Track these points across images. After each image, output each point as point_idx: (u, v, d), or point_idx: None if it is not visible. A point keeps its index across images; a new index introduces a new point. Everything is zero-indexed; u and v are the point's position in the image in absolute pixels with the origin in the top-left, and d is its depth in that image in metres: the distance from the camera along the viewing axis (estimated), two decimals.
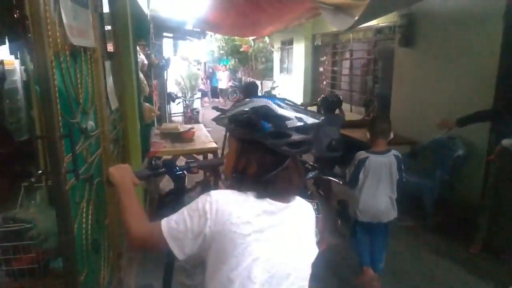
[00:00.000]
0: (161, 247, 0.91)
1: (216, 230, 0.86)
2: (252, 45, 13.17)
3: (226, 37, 13.20)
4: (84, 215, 1.55)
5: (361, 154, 2.46)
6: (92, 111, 1.75)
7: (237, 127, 0.93)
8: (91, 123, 1.70)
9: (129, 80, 2.91)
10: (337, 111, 3.91)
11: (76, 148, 1.31)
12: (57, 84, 1.21)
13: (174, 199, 1.30)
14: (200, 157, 3.89)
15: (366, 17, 3.53)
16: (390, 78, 5.06)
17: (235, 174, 0.96)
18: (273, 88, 10.93)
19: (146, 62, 4.34)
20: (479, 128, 3.30)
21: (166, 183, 4.13)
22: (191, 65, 10.17)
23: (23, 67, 1.68)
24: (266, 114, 0.89)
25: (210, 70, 15.39)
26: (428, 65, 4.30)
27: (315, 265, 1.00)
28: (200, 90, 11.02)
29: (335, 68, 7.58)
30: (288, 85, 9.95)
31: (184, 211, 0.90)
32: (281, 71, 11.09)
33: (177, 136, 3.71)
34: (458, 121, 3.13)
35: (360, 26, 4.51)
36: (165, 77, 7.17)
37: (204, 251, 0.89)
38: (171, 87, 8.99)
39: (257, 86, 5.68)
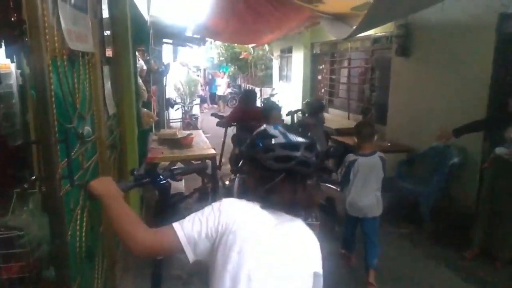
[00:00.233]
0: (173, 252, 0.95)
1: (225, 232, 0.92)
2: (252, 52, 13.23)
3: (226, 44, 13.26)
4: (78, 222, 1.53)
5: (350, 156, 2.71)
6: (89, 116, 1.74)
7: (244, 148, 1.08)
8: (87, 128, 1.69)
9: (128, 85, 2.91)
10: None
11: (72, 153, 1.29)
12: (54, 89, 1.19)
13: (159, 210, 1.28)
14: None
15: (364, 27, 3.57)
16: (387, 87, 5.12)
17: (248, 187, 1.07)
18: (272, 95, 10.96)
19: (145, 67, 4.33)
20: (473, 136, 3.40)
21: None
22: (190, 71, 10.20)
23: (19, 70, 1.67)
24: (261, 134, 1.03)
25: (210, 77, 15.45)
26: (424, 74, 4.36)
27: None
28: (199, 96, 11.04)
29: (333, 76, 7.62)
30: (287, 92, 9.97)
31: (197, 214, 0.96)
32: (280, 79, 11.13)
33: (175, 142, 3.68)
34: (455, 132, 3.26)
35: (358, 35, 4.56)
36: (164, 83, 7.16)
37: (211, 253, 0.93)
38: (170, 93, 8.99)
39: (255, 93, 5.68)
